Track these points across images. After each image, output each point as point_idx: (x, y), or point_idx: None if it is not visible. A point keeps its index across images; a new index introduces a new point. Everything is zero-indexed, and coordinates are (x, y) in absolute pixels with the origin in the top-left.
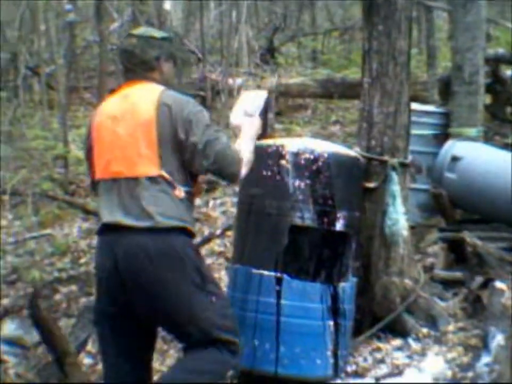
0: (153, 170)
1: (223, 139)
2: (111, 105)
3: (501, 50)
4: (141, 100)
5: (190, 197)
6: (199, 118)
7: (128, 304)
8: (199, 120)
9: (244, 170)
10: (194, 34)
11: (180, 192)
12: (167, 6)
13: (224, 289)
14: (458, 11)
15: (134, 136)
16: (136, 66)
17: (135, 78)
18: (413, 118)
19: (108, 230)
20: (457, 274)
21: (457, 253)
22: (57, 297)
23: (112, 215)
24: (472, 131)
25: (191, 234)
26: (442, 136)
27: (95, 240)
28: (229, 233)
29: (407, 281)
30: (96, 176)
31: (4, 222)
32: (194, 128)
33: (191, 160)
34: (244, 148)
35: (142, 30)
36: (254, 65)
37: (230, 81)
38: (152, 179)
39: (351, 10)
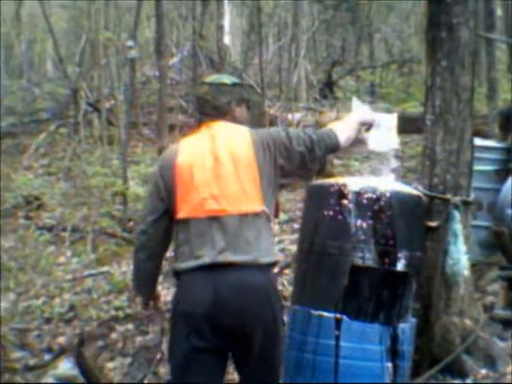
0: (258, 206)
1: (307, 130)
2: (197, 144)
3: None
4: (233, 140)
5: None
6: (279, 133)
7: (222, 339)
8: (282, 135)
9: (342, 139)
10: (253, 68)
11: (274, 225)
12: (227, 40)
13: None
14: None
15: (237, 175)
16: (210, 112)
17: (211, 120)
18: (475, 154)
19: (208, 267)
20: None
21: None
22: (113, 336)
23: (216, 253)
24: None
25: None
26: (504, 171)
27: None
28: (287, 271)
29: (467, 322)
30: (180, 216)
31: (62, 259)
32: (288, 144)
33: (307, 165)
34: (341, 122)
35: (213, 77)
36: (313, 100)
37: (289, 116)
38: (256, 215)
39: (410, 42)
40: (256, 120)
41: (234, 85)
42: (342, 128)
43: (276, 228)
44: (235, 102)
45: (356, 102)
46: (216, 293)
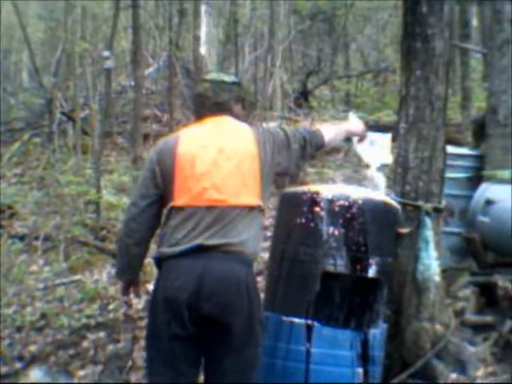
0: (256, 200)
1: (300, 130)
2: (200, 135)
3: None
4: (237, 135)
5: None
6: (278, 133)
7: (201, 328)
8: (280, 134)
9: (327, 138)
10: None
11: (265, 219)
12: (203, 51)
13: None
14: (493, 54)
15: (239, 169)
16: (210, 108)
17: (213, 115)
18: (447, 161)
19: (193, 253)
20: (488, 318)
21: (489, 296)
22: (85, 344)
23: (207, 238)
24: (506, 173)
25: None
26: (476, 179)
27: None
28: (259, 278)
29: (438, 327)
30: (178, 203)
31: (34, 268)
32: (286, 142)
33: (298, 162)
34: (328, 127)
35: (213, 75)
36: (288, 109)
37: (264, 125)
38: (254, 209)
39: (385, 52)
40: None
41: (233, 83)
42: (329, 130)
43: None
44: (234, 99)
45: (352, 116)
46: (201, 280)
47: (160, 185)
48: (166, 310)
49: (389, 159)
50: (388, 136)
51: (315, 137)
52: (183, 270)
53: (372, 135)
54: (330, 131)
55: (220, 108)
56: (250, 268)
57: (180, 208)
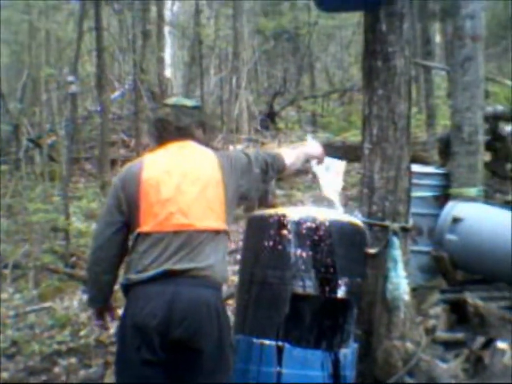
0: (222, 225)
1: (261, 153)
2: (163, 160)
3: (499, 107)
4: (200, 159)
5: None
6: (241, 158)
7: (171, 353)
8: (243, 158)
9: (288, 162)
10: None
11: (229, 243)
12: (168, 73)
13: None
14: (456, 71)
15: (204, 193)
16: (171, 133)
17: (174, 140)
18: (413, 180)
19: (161, 278)
20: (459, 335)
21: (459, 313)
22: (56, 370)
23: (175, 264)
24: (472, 191)
25: None
26: (443, 197)
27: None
28: (230, 301)
29: (409, 345)
30: (144, 229)
31: (4, 296)
32: (248, 167)
33: (259, 186)
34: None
35: (174, 100)
36: (254, 131)
37: (231, 147)
38: (220, 233)
39: (350, 71)
40: (209, 142)
41: (194, 107)
42: (290, 154)
43: None
44: (195, 124)
45: (310, 139)
46: (171, 306)
47: (125, 212)
48: (135, 336)
49: (340, 186)
50: (342, 163)
51: (276, 161)
52: (151, 296)
53: (327, 160)
54: (290, 155)
55: (182, 133)
56: (219, 292)
57: (147, 234)
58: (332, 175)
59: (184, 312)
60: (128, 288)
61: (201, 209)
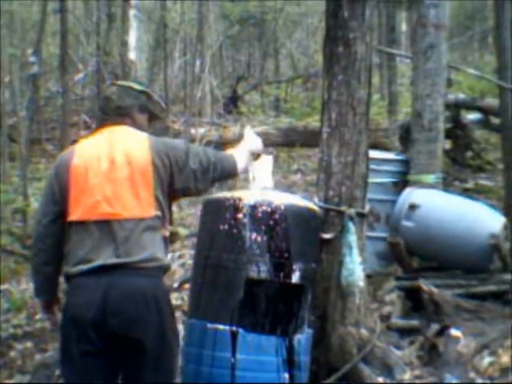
0: (150, 211)
1: (208, 150)
2: (93, 147)
3: (461, 96)
4: (131, 144)
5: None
6: (181, 148)
7: (110, 343)
8: (182, 150)
9: (240, 165)
10: (158, 83)
11: (166, 231)
12: (132, 56)
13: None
14: (419, 58)
15: (131, 179)
16: (111, 112)
17: (111, 123)
18: (372, 166)
19: (96, 271)
20: (414, 322)
21: (414, 301)
22: (13, 354)
23: (107, 257)
24: (430, 178)
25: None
26: (402, 183)
27: None
28: (187, 286)
29: (363, 331)
30: (73, 218)
31: None
32: (185, 158)
33: (196, 184)
34: (238, 149)
35: (124, 82)
36: (217, 115)
37: (193, 130)
38: (149, 220)
39: (315, 57)
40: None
41: (141, 92)
42: (241, 157)
43: (178, 244)
44: (138, 107)
45: (248, 130)
46: (105, 297)
47: (59, 201)
48: (74, 328)
49: (269, 182)
50: (269, 158)
51: (224, 163)
52: (86, 287)
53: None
54: (242, 158)
55: (121, 112)
56: (157, 279)
57: (76, 223)
58: (265, 170)
59: (119, 302)
60: (68, 279)
61: (128, 197)
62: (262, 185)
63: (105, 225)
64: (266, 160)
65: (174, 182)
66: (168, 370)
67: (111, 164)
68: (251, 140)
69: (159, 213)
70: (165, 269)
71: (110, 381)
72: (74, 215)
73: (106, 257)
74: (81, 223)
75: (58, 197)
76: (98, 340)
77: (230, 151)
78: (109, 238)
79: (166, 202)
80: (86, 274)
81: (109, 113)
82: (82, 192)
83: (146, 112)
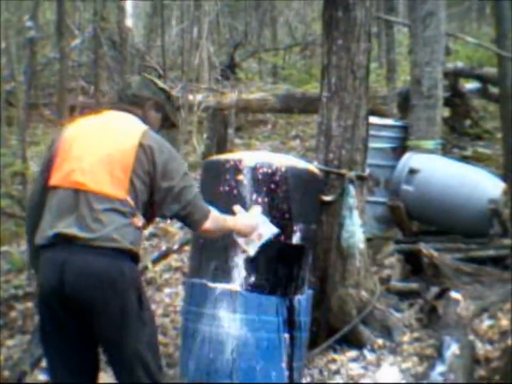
0: (121, 193)
1: (196, 190)
2: (88, 122)
3: (460, 64)
4: (125, 127)
5: (143, 228)
6: (178, 164)
7: (71, 322)
8: (178, 166)
9: (209, 225)
10: (155, 50)
11: (138, 221)
12: (129, 23)
13: (181, 303)
14: (417, 26)
15: (110, 156)
16: (126, 98)
17: (121, 108)
18: (372, 132)
19: (57, 242)
20: (413, 285)
21: (414, 264)
22: (13, 314)
23: (66, 226)
24: (430, 143)
25: (138, 260)
26: (401, 149)
27: None
28: (187, 248)
29: (363, 293)
30: (50, 182)
31: None
32: (173, 173)
33: (162, 203)
34: (220, 216)
35: (150, 76)
36: (215, 81)
37: (190, 97)
38: (117, 202)
39: (312, 25)
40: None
41: (162, 89)
42: (217, 220)
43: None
44: (153, 103)
45: (256, 210)
46: (62, 275)
47: (46, 169)
48: (44, 306)
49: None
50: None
51: (198, 211)
52: (46, 266)
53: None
54: (217, 222)
55: (135, 101)
56: (116, 261)
57: (52, 189)
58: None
59: (74, 282)
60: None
61: (102, 173)
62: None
63: (74, 194)
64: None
65: (154, 185)
66: (132, 354)
67: (98, 139)
68: (244, 222)
69: (130, 199)
70: (126, 252)
71: (88, 354)
72: (53, 179)
73: (65, 226)
74: (55, 189)
75: (46, 165)
76: (68, 317)
77: (216, 212)
78: (73, 208)
79: (143, 194)
80: (45, 248)
81: (123, 99)
82: (63, 160)
83: (161, 111)
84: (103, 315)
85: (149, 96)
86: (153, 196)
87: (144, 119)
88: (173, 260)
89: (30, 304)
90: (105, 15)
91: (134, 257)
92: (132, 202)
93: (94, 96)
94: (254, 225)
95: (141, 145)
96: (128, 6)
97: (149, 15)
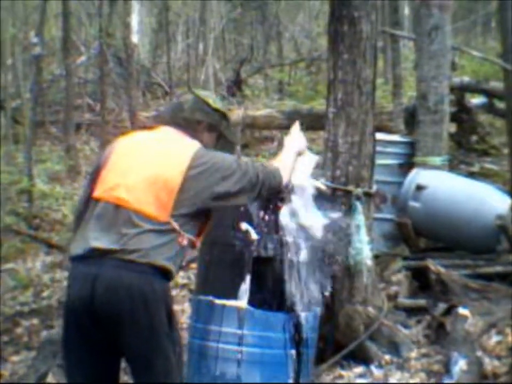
0: (162, 215)
1: (253, 168)
2: (141, 138)
3: (466, 79)
4: (176, 148)
5: (193, 244)
6: (228, 165)
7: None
8: (229, 166)
9: (285, 177)
10: (161, 66)
11: (183, 240)
12: (135, 39)
13: (187, 320)
14: (423, 40)
15: (157, 177)
16: (179, 120)
17: (174, 128)
18: (378, 148)
19: (91, 256)
20: (421, 301)
21: (421, 280)
22: (19, 330)
23: (103, 241)
24: (436, 160)
25: (171, 278)
26: (408, 165)
27: (57, 274)
28: (193, 265)
29: (371, 310)
30: (94, 194)
31: None
32: (228, 178)
33: (242, 200)
34: (284, 158)
35: (205, 93)
36: (221, 98)
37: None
38: (156, 222)
39: (318, 41)
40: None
41: (216, 110)
42: (287, 168)
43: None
44: (206, 125)
45: (295, 127)
46: (92, 292)
47: (91, 181)
48: (68, 316)
49: (305, 180)
50: (314, 158)
51: (271, 178)
52: (77, 278)
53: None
54: (288, 169)
55: (186, 124)
56: (148, 276)
57: (94, 201)
58: (306, 168)
59: (104, 295)
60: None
61: (146, 193)
62: (297, 180)
63: (114, 210)
64: (310, 159)
65: (213, 191)
66: (159, 372)
67: (147, 157)
68: (297, 140)
69: (174, 220)
70: (158, 268)
71: (109, 368)
72: (96, 191)
73: (101, 241)
74: (97, 201)
75: (93, 175)
76: (94, 329)
77: (276, 162)
78: (112, 224)
79: (195, 215)
80: (77, 260)
81: (176, 121)
82: (109, 172)
83: (215, 131)
84: (131, 329)
85: (201, 119)
86: (216, 207)
87: (198, 140)
88: (180, 277)
89: (35, 321)
90: (110, 32)
91: (167, 274)
92: (174, 224)
93: (100, 113)
94: (300, 138)
95: (188, 169)
96: (134, 22)
97: (154, 31)
